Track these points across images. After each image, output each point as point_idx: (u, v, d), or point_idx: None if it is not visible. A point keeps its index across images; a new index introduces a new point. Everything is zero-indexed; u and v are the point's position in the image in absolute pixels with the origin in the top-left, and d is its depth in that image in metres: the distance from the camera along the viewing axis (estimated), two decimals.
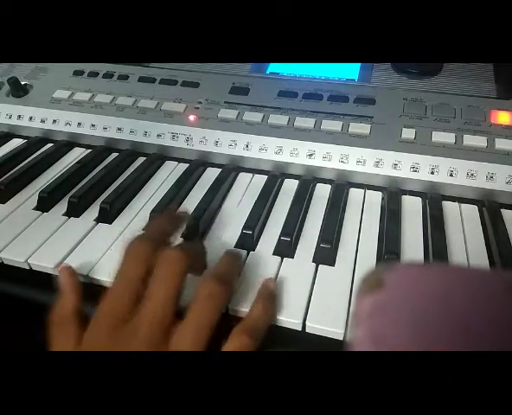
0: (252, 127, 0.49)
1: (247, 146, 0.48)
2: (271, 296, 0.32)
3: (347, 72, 0.56)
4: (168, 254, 0.28)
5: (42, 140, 0.56)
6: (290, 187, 0.46)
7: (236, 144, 0.49)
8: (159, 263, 0.28)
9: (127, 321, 0.27)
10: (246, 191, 0.46)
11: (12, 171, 0.49)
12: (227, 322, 0.28)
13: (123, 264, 0.29)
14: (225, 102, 0.52)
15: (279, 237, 0.38)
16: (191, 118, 0.52)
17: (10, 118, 0.57)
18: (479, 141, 0.44)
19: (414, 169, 0.44)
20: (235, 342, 0.27)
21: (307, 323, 0.31)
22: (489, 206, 0.42)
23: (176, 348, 0.26)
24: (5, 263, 0.38)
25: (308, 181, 0.46)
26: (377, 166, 0.45)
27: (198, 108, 0.52)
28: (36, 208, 0.44)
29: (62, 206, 0.44)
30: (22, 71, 0.62)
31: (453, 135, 0.45)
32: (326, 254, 0.36)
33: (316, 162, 0.46)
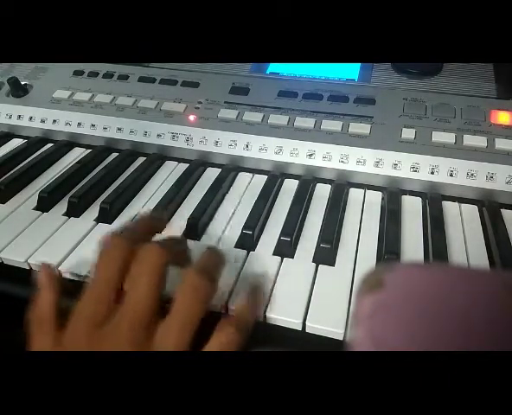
0: (252, 127, 0.49)
1: (247, 146, 0.48)
2: (257, 292, 0.32)
3: (347, 72, 0.55)
4: (146, 249, 0.28)
5: (42, 140, 0.56)
6: (290, 187, 0.46)
7: (236, 144, 0.49)
8: (137, 258, 0.28)
9: (106, 321, 0.27)
10: (246, 191, 0.46)
11: (12, 171, 0.49)
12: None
13: (98, 263, 0.29)
14: (225, 102, 0.52)
15: (279, 237, 0.38)
16: (191, 118, 0.52)
17: (10, 118, 0.57)
18: (479, 141, 0.44)
19: (414, 169, 0.44)
20: (221, 335, 0.27)
21: (307, 323, 0.31)
22: (489, 206, 0.42)
23: (160, 344, 0.26)
24: (5, 263, 0.38)
25: (308, 181, 0.46)
26: (377, 166, 0.45)
27: (198, 108, 0.52)
28: (36, 208, 0.44)
29: (62, 206, 0.44)
30: (22, 71, 0.62)
31: (453, 135, 0.45)
32: (326, 254, 0.36)
33: (316, 162, 0.46)
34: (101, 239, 0.29)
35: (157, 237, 0.32)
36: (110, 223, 0.42)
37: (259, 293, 0.32)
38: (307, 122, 0.48)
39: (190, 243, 0.38)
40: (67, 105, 0.56)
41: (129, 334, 0.26)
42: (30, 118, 0.56)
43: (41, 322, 0.29)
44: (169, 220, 0.42)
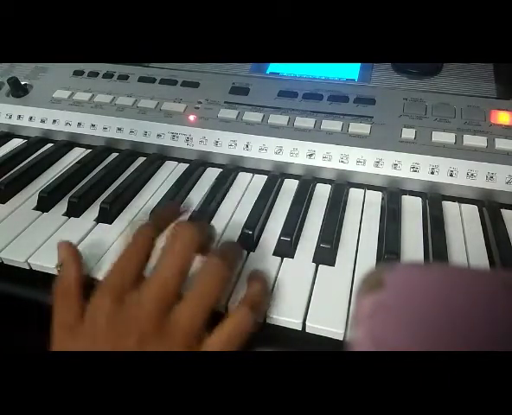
0: (252, 127, 0.49)
1: (247, 146, 0.48)
2: (264, 280, 0.33)
3: (347, 72, 0.55)
4: (180, 227, 0.29)
5: (42, 140, 0.56)
6: (290, 187, 0.46)
7: (236, 144, 0.49)
8: (171, 235, 0.29)
9: (131, 291, 0.28)
10: (246, 191, 0.46)
11: (12, 171, 0.49)
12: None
13: (129, 242, 0.30)
14: (225, 102, 0.52)
15: (279, 237, 0.38)
16: (191, 118, 0.52)
17: (10, 118, 0.57)
18: (479, 141, 0.44)
19: (414, 169, 0.44)
20: (237, 315, 0.28)
21: (307, 323, 0.31)
22: (489, 206, 0.42)
23: (175, 318, 0.27)
24: (5, 263, 0.38)
25: (308, 181, 0.46)
26: (377, 166, 0.45)
27: (198, 108, 0.52)
28: (36, 208, 0.44)
29: (62, 206, 0.44)
30: (22, 71, 0.62)
31: (453, 135, 0.45)
32: (326, 254, 0.36)
33: (316, 162, 0.46)
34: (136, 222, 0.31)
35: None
36: (110, 223, 0.42)
37: (266, 282, 0.33)
38: (307, 122, 0.48)
39: None
40: (67, 105, 0.56)
41: (153, 304, 0.27)
42: (30, 118, 0.56)
43: (65, 296, 0.29)
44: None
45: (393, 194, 0.43)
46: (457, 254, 0.37)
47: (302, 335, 0.31)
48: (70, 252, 0.33)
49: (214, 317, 0.28)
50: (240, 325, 0.28)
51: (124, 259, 0.30)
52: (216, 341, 0.27)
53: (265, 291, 0.32)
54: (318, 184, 0.46)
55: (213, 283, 0.28)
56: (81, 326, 0.28)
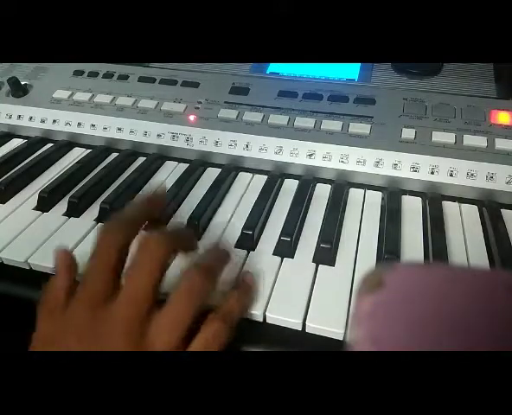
0: (252, 127, 0.49)
1: (247, 146, 0.48)
2: (247, 289, 0.32)
3: (347, 72, 0.55)
4: (148, 239, 0.28)
5: (42, 140, 0.56)
6: (290, 187, 0.46)
7: (236, 144, 0.49)
8: (139, 247, 0.28)
9: (106, 302, 0.27)
10: (246, 191, 0.46)
11: (12, 171, 0.49)
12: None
13: (99, 244, 0.29)
14: (225, 102, 0.52)
15: (279, 237, 0.38)
16: (191, 118, 0.52)
17: (10, 118, 0.57)
18: (479, 141, 0.44)
19: (414, 169, 0.44)
20: (209, 328, 0.28)
21: (307, 323, 0.31)
22: (489, 206, 0.42)
23: (152, 337, 0.26)
24: (5, 263, 0.38)
25: (308, 181, 0.46)
26: (377, 166, 0.45)
27: (198, 108, 0.52)
28: (36, 208, 0.44)
29: (62, 206, 0.44)
30: (22, 71, 0.62)
31: (453, 135, 0.45)
32: (326, 254, 0.36)
33: (316, 162, 0.46)
34: (105, 222, 0.30)
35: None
36: None
37: (248, 291, 0.32)
38: (307, 122, 0.48)
39: None
40: (67, 105, 0.56)
41: (125, 322, 0.26)
42: (30, 118, 0.56)
43: (50, 307, 0.29)
44: (169, 220, 0.42)
45: (393, 194, 0.43)
46: (457, 254, 0.37)
47: (302, 335, 0.31)
48: (64, 261, 0.31)
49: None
50: (213, 337, 0.27)
51: (98, 265, 0.28)
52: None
53: (243, 300, 0.31)
54: (318, 184, 0.46)
55: (190, 301, 0.27)
56: (61, 334, 0.27)
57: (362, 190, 0.45)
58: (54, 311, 0.29)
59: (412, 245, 0.38)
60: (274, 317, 0.32)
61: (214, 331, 0.28)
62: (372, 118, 0.48)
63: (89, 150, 0.54)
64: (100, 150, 0.53)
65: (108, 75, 0.58)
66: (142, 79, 0.57)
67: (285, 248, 0.37)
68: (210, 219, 0.42)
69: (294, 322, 0.31)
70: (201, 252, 0.31)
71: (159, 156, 0.51)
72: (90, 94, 0.56)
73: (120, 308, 0.26)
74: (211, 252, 0.31)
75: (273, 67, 0.58)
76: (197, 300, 0.27)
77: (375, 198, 0.44)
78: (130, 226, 0.29)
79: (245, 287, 0.32)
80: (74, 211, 0.43)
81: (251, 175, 0.48)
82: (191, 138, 0.50)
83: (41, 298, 0.29)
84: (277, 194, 0.45)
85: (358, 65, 0.56)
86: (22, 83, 0.59)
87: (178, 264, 0.29)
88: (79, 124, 0.54)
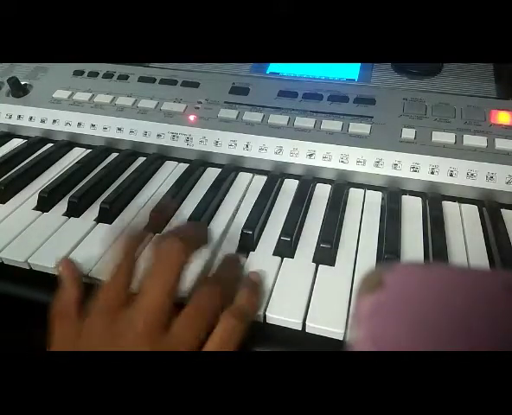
0: (252, 127, 0.49)
1: (247, 146, 0.48)
2: (255, 287, 0.32)
3: (347, 72, 0.55)
4: (167, 244, 0.28)
5: (42, 140, 0.56)
6: (290, 187, 0.46)
7: (236, 144, 0.49)
8: (157, 254, 0.28)
9: (123, 310, 0.27)
10: (246, 191, 0.46)
11: (12, 171, 0.49)
12: None
13: (120, 250, 0.30)
14: (225, 102, 0.52)
15: (279, 237, 0.38)
16: (191, 118, 0.52)
17: (10, 118, 0.57)
18: (479, 141, 0.44)
19: (414, 169, 0.44)
20: (224, 324, 0.28)
21: (307, 323, 0.31)
22: (489, 206, 0.42)
23: (172, 340, 0.26)
24: (5, 263, 0.38)
25: (308, 181, 0.46)
26: (377, 166, 0.45)
27: (198, 108, 0.52)
28: (36, 208, 0.44)
29: (62, 206, 0.44)
30: (22, 71, 0.62)
31: (453, 135, 0.45)
32: (326, 254, 0.36)
33: (316, 162, 0.46)
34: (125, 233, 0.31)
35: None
36: (110, 223, 0.42)
37: (257, 288, 0.33)
38: (307, 122, 0.48)
39: None
40: (67, 105, 0.56)
41: (144, 329, 0.26)
42: (30, 118, 0.56)
43: (63, 317, 0.29)
44: (169, 219, 0.42)
45: (393, 194, 0.43)
46: (457, 254, 0.37)
47: (302, 335, 0.31)
48: (70, 270, 0.32)
49: None
50: (229, 333, 0.28)
51: (116, 273, 0.29)
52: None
53: (253, 297, 0.31)
54: (318, 184, 0.46)
55: (209, 307, 0.28)
56: (79, 344, 0.28)
57: (362, 190, 0.45)
58: (67, 323, 0.29)
59: (412, 245, 0.38)
60: (274, 317, 0.32)
61: (228, 329, 0.28)
62: (372, 118, 0.48)
63: (89, 150, 0.54)
64: (100, 150, 0.53)
65: (108, 75, 0.58)
66: (142, 79, 0.57)
67: (285, 248, 0.37)
68: (210, 219, 0.42)
69: (294, 322, 0.31)
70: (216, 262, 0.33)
71: (159, 156, 0.51)
72: (90, 94, 0.56)
73: (138, 316, 0.27)
74: (225, 263, 0.33)
75: (273, 67, 0.58)
76: (216, 305, 0.28)
77: (375, 198, 0.44)
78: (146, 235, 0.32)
79: (253, 285, 0.33)
80: (74, 211, 0.43)
81: (251, 175, 0.48)
82: (191, 138, 0.50)
83: (53, 311, 0.30)
84: (277, 194, 0.45)
85: (358, 65, 0.56)
86: (22, 83, 0.59)
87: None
88: (79, 124, 0.54)
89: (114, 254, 0.30)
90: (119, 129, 0.53)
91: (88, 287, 0.31)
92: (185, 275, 0.29)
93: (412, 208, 0.42)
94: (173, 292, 0.27)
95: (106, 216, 0.42)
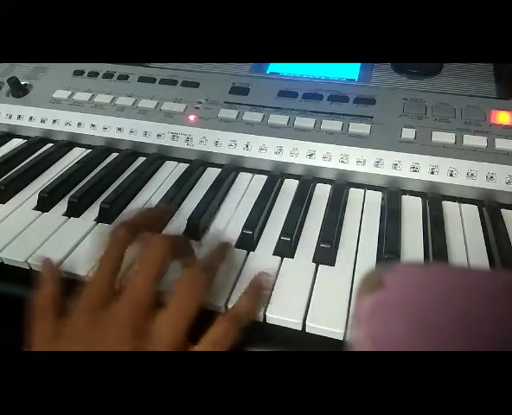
0: (252, 127, 0.49)
1: (247, 146, 0.48)
2: (258, 290, 0.32)
3: (347, 72, 0.55)
4: (149, 238, 0.29)
5: (42, 140, 0.56)
6: (290, 187, 0.46)
7: (236, 144, 0.49)
8: (141, 246, 0.29)
9: (107, 304, 0.28)
10: (246, 191, 0.46)
11: (12, 171, 0.49)
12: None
13: (102, 252, 0.30)
14: (225, 102, 0.52)
15: (279, 237, 0.38)
16: (191, 118, 0.52)
17: (10, 118, 0.57)
18: (479, 141, 0.44)
19: (414, 169, 0.44)
20: (218, 328, 0.28)
21: (307, 323, 0.31)
22: (489, 206, 0.42)
23: (157, 331, 0.27)
24: (5, 263, 0.38)
25: (308, 181, 0.46)
26: (377, 166, 0.45)
27: (198, 108, 0.52)
28: (36, 208, 0.44)
29: (62, 206, 0.44)
30: (22, 71, 0.62)
31: (453, 135, 0.45)
32: (326, 254, 0.36)
33: (316, 162, 0.46)
34: (108, 231, 0.31)
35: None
36: (110, 223, 0.42)
37: (260, 293, 0.32)
38: (307, 122, 0.48)
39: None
40: (67, 105, 0.56)
41: (128, 319, 0.27)
42: (30, 118, 0.56)
43: (42, 311, 0.30)
44: (170, 219, 0.42)
45: (393, 194, 0.43)
46: (457, 254, 0.37)
47: (302, 335, 0.31)
48: (48, 269, 0.33)
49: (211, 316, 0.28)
50: (220, 338, 0.28)
51: (98, 270, 0.30)
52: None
53: (253, 303, 0.31)
54: (318, 184, 0.46)
55: (191, 295, 0.28)
56: (60, 342, 0.28)
57: (362, 190, 0.45)
58: (46, 317, 0.29)
59: (412, 245, 0.38)
60: (274, 317, 0.32)
61: (221, 332, 0.28)
62: (372, 118, 0.48)
63: (89, 150, 0.54)
64: (100, 150, 0.53)
65: (108, 75, 0.58)
66: (142, 79, 0.57)
67: (285, 248, 0.37)
68: (210, 219, 0.42)
69: (294, 322, 0.31)
70: (202, 252, 0.32)
71: (159, 156, 0.51)
72: (90, 94, 0.56)
73: (123, 305, 0.27)
74: (210, 251, 0.32)
75: (273, 67, 0.58)
76: (199, 293, 0.28)
77: (375, 198, 0.44)
78: (133, 228, 0.31)
79: (256, 288, 0.32)
80: (74, 211, 0.43)
81: (251, 175, 0.48)
82: (191, 138, 0.50)
83: (32, 309, 0.30)
84: (277, 194, 0.45)
85: (358, 65, 0.56)
86: (22, 83, 0.59)
87: (176, 267, 0.30)
88: (79, 124, 0.54)
89: (100, 249, 0.31)
90: (119, 129, 0.53)
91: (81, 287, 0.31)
92: (169, 267, 0.29)
93: (412, 208, 0.42)
94: (156, 280, 0.28)
95: (106, 216, 0.42)
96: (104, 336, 0.26)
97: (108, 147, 0.54)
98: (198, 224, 0.40)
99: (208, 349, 0.27)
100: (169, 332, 0.27)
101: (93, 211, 0.43)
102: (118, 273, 0.30)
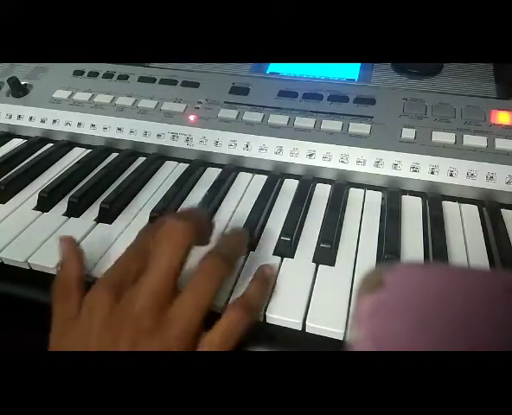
0: (252, 127, 0.49)
1: (247, 146, 0.48)
2: (266, 280, 0.33)
3: (347, 72, 0.55)
4: (172, 224, 0.29)
5: (42, 140, 0.56)
6: (290, 187, 0.46)
7: (236, 144, 0.49)
8: (163, 231, 0.28)
9: (129, 287, 0.28)
10: (246, 191, 0.46)
11: (12, 171, 0.49)
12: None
13: (133, 242, 0.31)
14: (225, 102, 0.52)
15: (279, 237, 0.38)
16: (191, 118, 0.52)
17: (10, 118, 0.57)
18: (479, 141, 0.44)
19: (414, 169, 0.44)
20: (231, 315, 0.28)
21: (307, 323, 0.31)
22: (489, 206, 0.42)
23: (173, 316, 0.27)
24: (5, 263, 0.38)
25: (308, 181, 0.46)
26: (377, 166, 0.45)
27: (198, 108, 0.52)
28: (36, 208, 0.44)
29: (62, 206, 0.44)
30: (22, 71, 0.62)
31: (453, 135, 0.45)
32: (326, 254, 0.36)
33: (316, 162, 0.46)
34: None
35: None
36: (110, 223, 0.42)
37: (268, 282, 0.33)
38: (307, 122, 0.48)
39: None
40: (67, 105, 0.56)
41: (147, 301, 0.26)
42: (30, 118, 0.56)
43: (64, 293, 0.29)
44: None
45: (393, 194, 0.43)
46: (457, 254, 0.37)
47: (302, 335, 0.31)
48: (72, 248, 0.32)
49: (211, 317, 0.28)
50: (233, 325, 0.28)
51: (126, 257, 0.30)
52: (211, 340, 0.27)
53: (262, 291, 0.32)
54: (318, 184, 0.46)
55: (209, 282, 0.28)
56: (78, 319, 0.28)
57: (362, 190, 0.45)
58: (69, 300, 0.29)
59: (412, 245, 0.38)
60: (274, 317, 0.32)
61: (234, 319, 0.28)
62: (372, 118, 0.48)
63: (89, 150, 0.54)
64: (100, 150, 0.53)
65: (108, 75, 0.58)
66: (142, 79, 0.57)
67: (285, 248, 0.37)
68: (210, 219, 0.42)
69: (294, 322, 0.31)
70: (219, 239, 0.32)
71: (159, 156, 0.51)
72: (90, 94, 0.56)
73: (142, 290, 0.27)
74: (229, 237, 0.33)
75: (273, 67, 0.58)
76: (217, 280, 0.28)
77: (375, 198, 0.44)
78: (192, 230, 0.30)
79: (263, 278, 0.33)
80: (74, 211, 0.43)
81: (251, 175, 0.48)
82: (191, 138, 0.50)
83: (54, 290, 0.30)
84: (277, 194, 0.45)
85: (358, 65, 0.56)
86: (22, 83, 0.59)
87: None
88: (79, 124, 0.54)
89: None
90: (119, 129, 0.53)
91: (88, 287, 0.31)
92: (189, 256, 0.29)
93: (412, 208, 0.42)
94: (177, 270, 0.28)
95: (106, 216, 0.42)
96: (123, 320, 0.26)
97: (108, 147, 0.54)
98: None
99: (221, 336, 0.27)
100: (186, 316, 0.27)
101: (93, 211, 0.43)
102: (143, 258, 0.29)
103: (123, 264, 0.30)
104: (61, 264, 0.31)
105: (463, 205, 0.43)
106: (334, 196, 0.43)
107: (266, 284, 0.33)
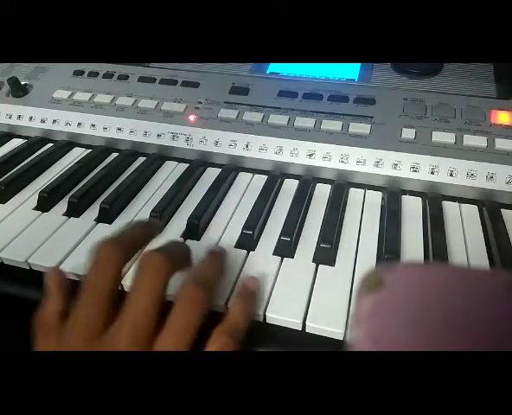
0: (252, 127, 0.49)
1: (247, 146, 0.48)
2: (250, 295, 0.32)
3: (347, 72, 0.55)
4: (150, 259, 0.27)
5: (42, 140, 0.56)
6: (290, 187, 0.46)
7: (236, 144, 0.49)
8: (140, 267, 0.27)
9: (104, 330, 0.26)
10: (246, 191, 0.46)
11: (12, 171, 0.49)
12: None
13: (92, 269, 0.28)
14: (225, 102, 0.52)
15: (279, 237, 0.38)
16: (191, 118, 0.52)
17: (10, 118, 0.57)
18: (479, 141, 0.44)
19: (414, 169, 0.44)
20: (216, 343, 0.27)
21: (307, 323, 0.31)
22: (489, 206, 0.42)
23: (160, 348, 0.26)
24: (5, 263, 0.38)
25: (308, 181, 0.46)
26: (377, 166, 0.45)
27: (198, 108, 0.52)
28: (36, 208, 0.44)
29: (62, 206, 0.44)
30: (22, 71, 0.62)
31: (453, 135, 0.45)
32: (326, 254, 0.36)
33: (316, 162, 0.46)
34: (95, 246, 0.28)
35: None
36: (110, 223, 0.42)
37: (252, 297, 0.32)
38: (307, 122, 0.48)
39: (190, 243, 0.39)
40: (67, 105, 0.56)
41: (128, 343, 0.25)
42: (30, 118, 0.56)
43: (45, 329, 0.28)
44: (170, 219, 0.42)
45: (393, 194, 0.43)
46: (457, 254, 0.37)
47: (302, 335, 0.31)
48: (58, 282, 0.31)
49: (211, 317, 0.28)
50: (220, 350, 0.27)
51: (92, 293, 0.27)
52: None
53: (246, 310, 0.30)
54: (318, 184, 0.46)
55: (188, 317, 0.26)
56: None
57: (362, 190, 0.45)
58: (49, 336, 0.28)
59: (412, 245, 0.38)
60: (274, 317, 0.32)
61: (221, 346, 0.27)
62: (372, 118, 0.48)
63: (89, 150, 0.54)
64: (100, 150, 0.53)
65: (108, 75, 0.58)
66: (142, 79, 0.57)
67: (285, 248, 0.37)
68: (210, 219, 0.42)
69: (294, 322, 0.31)
70: (198, 262, 0.30)
71: (159, 156, 0.51)
72: (90, 94, 0.56)
73: (123, 332, 0.26)
74: (206, 259, 0.31)
75: (273, 67, 0.58)
76: (198, 310, 0.27)
77: (375, 198, 0.44)
78: (124, 250, 0.28)
79: (247, 294, 0.32)
80: (74, 211, 0.43)
81: (251, 175, 0.48)
82: (191, 138, 0.50)
83: (36, 322, 0.29)
84: (277, 194, 0.45)
85: (358, 65, 0.56)
86: (22, 83, 0.59)
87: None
88: (79, 124, 0.54)
89: (89, 270, 0.28)
90: (119, 129, 0.53)
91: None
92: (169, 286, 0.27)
93: (412, 208, 0.42)
94: (158, 304, 0.26)
95: (106, 216, 0.42)
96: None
97: (108, 147, 0.54)
98: (198, 224, 0.40)
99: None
100: (176, 345, 0.26)
101: (93, 211, 0.43)
102: (113, 296, 0.27)
103: (89, 304, 0.27)
104: (46, 296, 0.30)
105: (463, 205, 0.43)
106: (334, 196, 0.43)
107: (251, 299, 0.31)
